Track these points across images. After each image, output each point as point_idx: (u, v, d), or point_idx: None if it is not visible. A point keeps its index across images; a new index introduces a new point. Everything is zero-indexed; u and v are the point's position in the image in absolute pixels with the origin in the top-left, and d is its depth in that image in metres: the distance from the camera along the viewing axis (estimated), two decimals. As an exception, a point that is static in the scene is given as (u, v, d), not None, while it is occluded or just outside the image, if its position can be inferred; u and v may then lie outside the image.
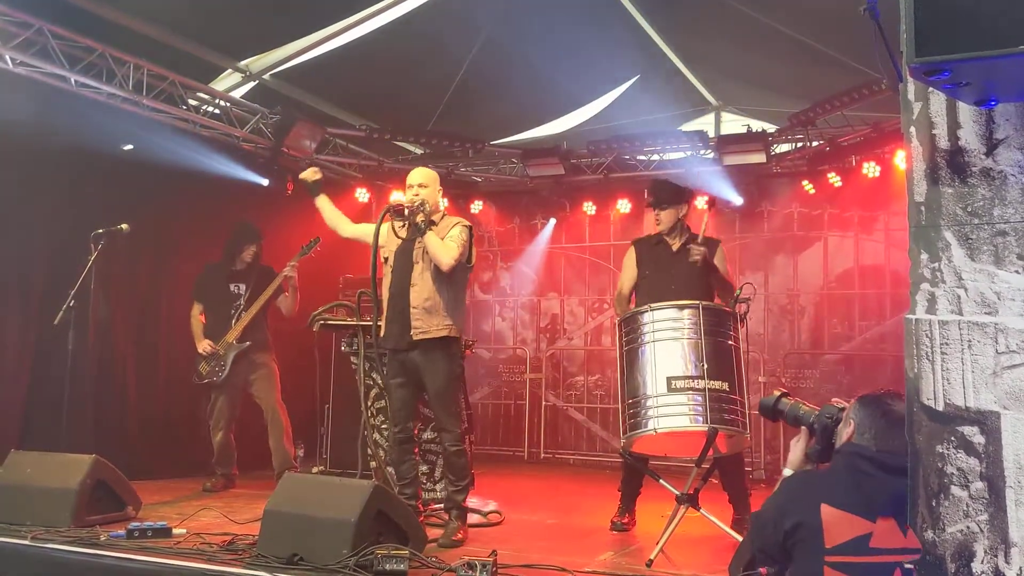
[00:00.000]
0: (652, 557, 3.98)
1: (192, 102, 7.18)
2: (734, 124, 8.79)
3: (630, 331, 4.63)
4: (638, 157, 8.60)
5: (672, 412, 4.31)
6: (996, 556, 2.70)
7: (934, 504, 2.81)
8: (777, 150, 8.26)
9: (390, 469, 5.59)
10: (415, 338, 4.48)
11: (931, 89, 2.87)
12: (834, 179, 7.87)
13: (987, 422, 2.74)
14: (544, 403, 9.13)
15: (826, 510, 2.39)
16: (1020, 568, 2.66)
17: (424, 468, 5.25)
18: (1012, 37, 2.25)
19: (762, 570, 3.46)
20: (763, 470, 7.76)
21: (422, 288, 4.51)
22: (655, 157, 8.59)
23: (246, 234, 6.49)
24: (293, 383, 6.61)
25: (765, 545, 2.55)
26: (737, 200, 8.36)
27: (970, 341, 2.79)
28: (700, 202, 8.10)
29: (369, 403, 5.78)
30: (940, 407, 2.82)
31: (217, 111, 7.41)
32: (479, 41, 7.26)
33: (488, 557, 3.50)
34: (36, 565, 3.89)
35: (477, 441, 6.46)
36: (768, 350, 8.39)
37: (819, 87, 7.27)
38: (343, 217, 5.13)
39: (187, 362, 6.53)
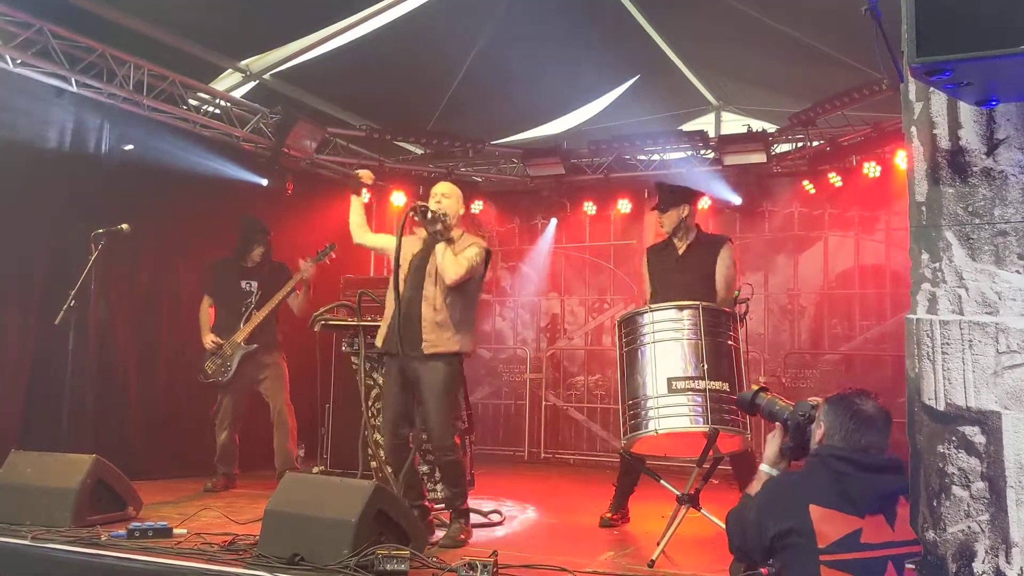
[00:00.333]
0: (654, 558, 3.98)
1: (192, 102, 7.18)
2: (734, 124, 8.79)
3: (630, 332, 4.63)
4: (638, 157, 8.60)
5: (673, 413, 4.31)
6: (997, 556, 2.70)
7: (935, 504, 2.81)
8: (777, 150, 8.27)
9: (390, 469, 5.60)
10: (426, 352, 4.44)
11: (932, 89, 2.87)
12: (834, 179, 7.86)
13: (988, 422, 2.74)
14: (544, 403, 9.13)
15: (815, 510, 2.41)
16: (1021, 568, 2.66)
17: (424, 468, 5.24)
18: (1013, 37, 2.25)
19: (763, 570, 3.46)
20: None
21: (434, 303, 4.48)
22: (655, 157, 8.59)
23: (253, 233, 6.46)
24: (294, 383, 6.61)
25: (744, 545, 2.57)
26: (735, 199, 8.36)
27: (971, 341, 2.79)
28: (703, 201, 8.13)
29: (369, 403, 5.77)
30: (941, 407, 2.82)
31: (217, 111, 7.41)
32: (479, 41, 7.27)
33: (489, 557, 3.50)
34: (36, 565, 3.88)
35: (477, 441, 6.45)
36: (768, 350, 8.39)
37: (819, 87, 7.27)
38: (366, 225, 5.13)
39: (188, 362, 6.53)
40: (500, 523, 5.11)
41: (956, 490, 2.78)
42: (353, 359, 5.84)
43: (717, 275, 5.02)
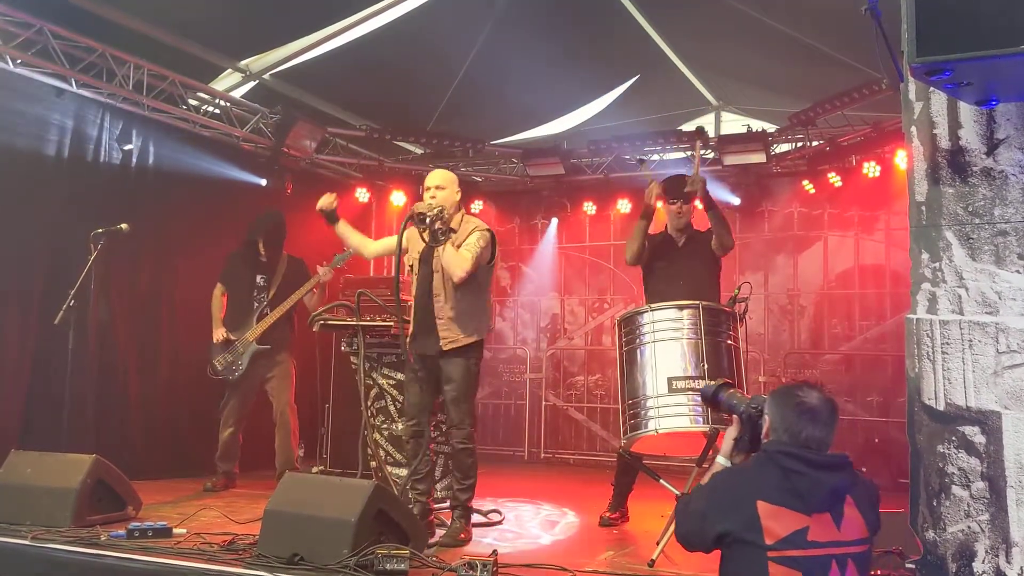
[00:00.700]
0: (654, 557, 3.98)
1: (192, 102, 7.18)
2: (734, 124, 8.79)
3: (630, 331, 4.64)
4: (638, 157, 8.59)
5: (673, 412, 4.31)
6: (997, 556, 2.70)
7: (935, 504, 2.81)
8: (777, 150, 8.27)
9: (390, 468, 5.60)
10: (445, 348, 4.51)
11: (932, 89, 2.88)
12: (834, 179, 7.86)
13: (988, 422, 2.74)
14: (544, 403, 9.13)
15: (763, 506, 2.40)
16: (1021, 568, 2.66)
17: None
18: (1013, 37, 2.26)
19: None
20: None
21: (445, 298, 4.52)
22: (655, 157, 8.58)
23: (255, 227, 6.42)
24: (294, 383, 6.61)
25: (689, 534, 2.57)
26: (734, 200, 8.38)
27: (971, 341, 2.79)
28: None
29: (369, 403, 5.78)
30: (941, 407, 2.82)
31: (217, 111, 7.41)
32: (479, 41, 7.27)
33: (489, 557, 3.50)
34: (36, 565, 3.88)
35: (478, 441, 6.45)
36: (768, 350, 8.39)
37: (819, 87, 7.27)
38: (364, 238, 5.15)
39: (188, 361, 6.52)
40: (500, 523, 5.11)
41: (956, 490, 2.78)
42: (352, 359, 5.84)
43: (715, 244, 5.14)
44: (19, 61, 5.88)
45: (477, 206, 9.26)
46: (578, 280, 9.41)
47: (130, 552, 3.82)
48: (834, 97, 7.10)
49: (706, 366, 4.36)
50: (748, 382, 4.95)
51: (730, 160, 8.01)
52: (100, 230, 5.60)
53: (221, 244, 6.65)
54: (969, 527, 2.75)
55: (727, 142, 8.08)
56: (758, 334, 8.33)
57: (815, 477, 2.44)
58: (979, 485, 2.74)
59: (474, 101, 8.20)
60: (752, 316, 6.38)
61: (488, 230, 4.64)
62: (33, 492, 4.40)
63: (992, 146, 2.83)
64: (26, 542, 3.99)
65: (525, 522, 5.24)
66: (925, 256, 2.93)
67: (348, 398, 6.34)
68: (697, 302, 4.57)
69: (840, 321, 8.22)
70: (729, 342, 4.55)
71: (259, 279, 6.34)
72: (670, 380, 4.36)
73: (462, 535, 4.48)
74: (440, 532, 4.58)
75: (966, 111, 2.88)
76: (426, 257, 4.65)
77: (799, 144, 8.10)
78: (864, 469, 7.20)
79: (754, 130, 7.96)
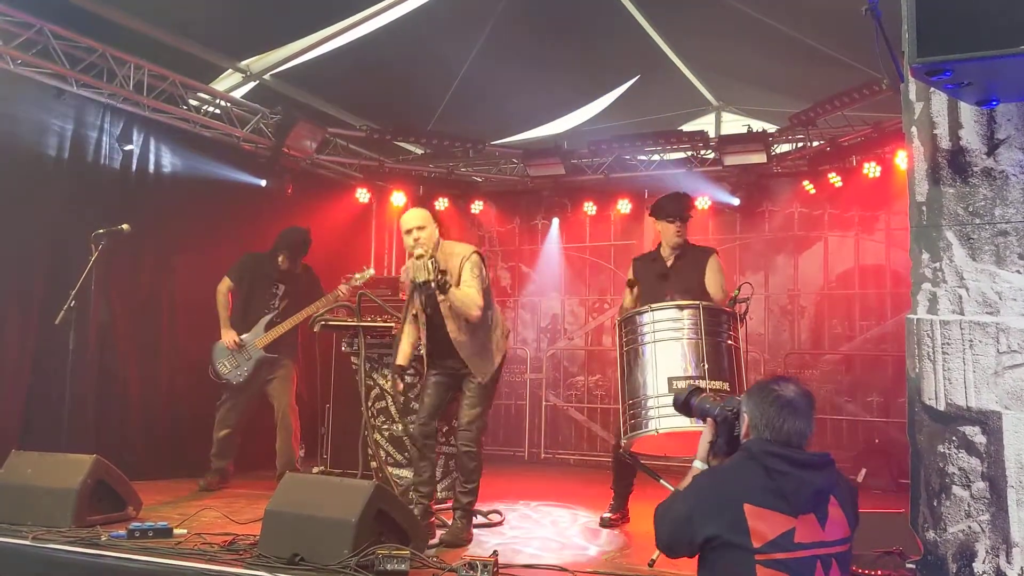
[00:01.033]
0: (654, 557, 3.97)
1: (193, 102, 7.18)
2: (734, 124, 8.79)
3: (630, 331, 4.63)
4: (639, 157, 8.60)
5: (673, 412, 4.29)
6: (998, 556, 2.70)
7: (935, 504, 2.81)
8: (777, 150, 8.26)
9: (390, 469, 5.61)
10: (480, 380, 4.61)
11: (932, 89, 2.88)
12: (835, 179, 7.86)
13: (988, 422, 2.74)
14: (544, 403, 9.13)
15: (749, 509, 2.36)
16: (1022, 568, 2.66)
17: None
18: (1013, 37, 2.26)
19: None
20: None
21: (466, 342, 4.58)
22: (655, 157, 8.59)
23: (280, 240, 6.41)
24: (303, 393, 6.63)
25: (672, 540, 2.52)
26: (733, 201, 8.39)
27: (971, 341, 2.79)
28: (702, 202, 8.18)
29: (369, 403, 5.79)
30: (942, 407, 2.82)
31: (218, 111, 7.41)
32: (479, 41, 7.27)
33: (489, 557, 3.50)
34: (37, 565, 3.89)
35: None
36: (768, 350, 8.39)
37: (819, 87, 7.27)
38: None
39: (188, 362, 6.52)
40: (500, 523, 5.11)
41: (956, 490, 2.78)
42: (353, 359, 5.84)
43: (709, 282, 5.03)
44: (19, 61, 5.88)
45: (477, 206, 9.27)
46: (578, 280, 9.41)
47: (131, 552, 3.83)
48: (834, 97, 7.10)
49: (706, 366, 4.36)
50: (748, 382, 4.93)
51: (730, 160, 8.01)
52: (101, 230, 5.60)
53: (221, 244, 6.65)
54: (969, 527, 2.75)
55: (727, 142, 8.07)
56: (758, 334, 8.33)
57: (800, 477, 2.42)
58: (980, 485, 2.74)
59: (474, 101, 8.20)
60: (752, 316, 6.37)
61: (475, 253, 4.64)
62: (34, 492, 4.40)
63: (993, 146, 2.83)
64: (27, 542, 3.99)
65: (526, 523, 5.24)
66: (926, 256, 2.93)
67: (348, 399, 6.35)
68: (697, 302, 4.57)
69: (840, 321, 8.22)
70: (729, 342, 4.55)
71: (277, 288, 6.34)
72: (670, 380, 4.36)
73: (463, 535, 4.48)
74: (441, 533, 4.58)
75: (967, 111, 2.88)
76: (433, 308, 4.65)
77: (799, 144, 8.10)
78: (865, 469, 7.23)
79: (754, 130, 7.96)
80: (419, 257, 4.41)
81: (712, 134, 8.67)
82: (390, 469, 5.62)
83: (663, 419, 4.31)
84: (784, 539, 2.34)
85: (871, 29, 2.89)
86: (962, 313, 2.82)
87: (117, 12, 6.18)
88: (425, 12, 6.90)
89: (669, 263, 5.17)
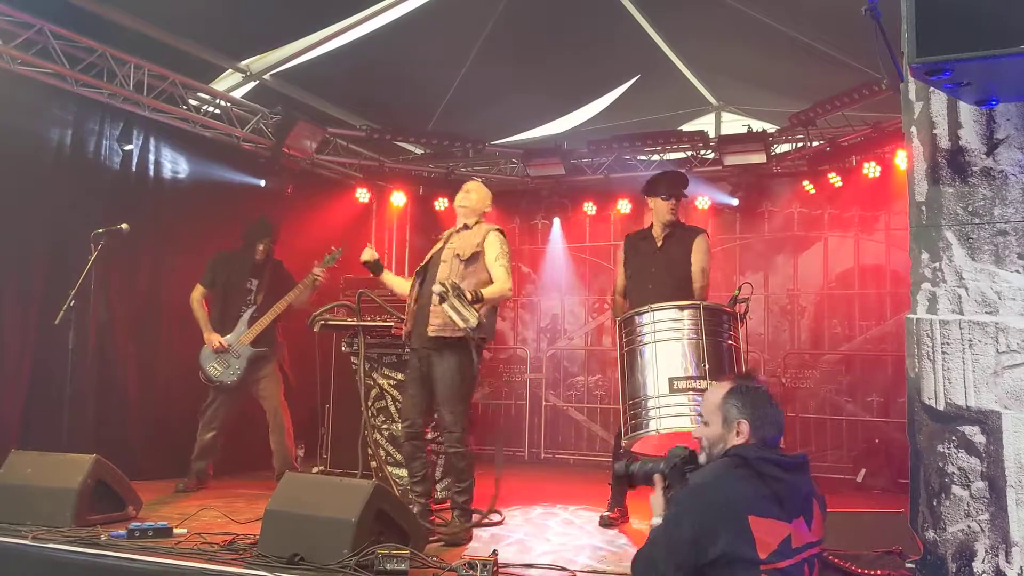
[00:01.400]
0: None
1: (193, 102, 7.18)
2: (734, 124, 8.79)
3: (630, 331, 4.63)
4: (639, 157, 8.60)
5: (674, 413, 4.31)
6: (997, 555, 2.70)
7: (935, 504, 2.81)
8: (777, 150, 8.27)
9: (390, 468, 5.61)
10: (431, 335, 4.60)
11: (932, 89, 2.88)
12: (834, 179, 7.87)
13: (988, 421, 2.74)
14: (544, 403, 9.13)
15: (754, 521, 2.31)
16: (1021, 567, 2.66)
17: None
18: (1012, 37, 2.26)
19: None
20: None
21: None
22: (655, 157, 8.59)
23: (258, 230, 6.43)
24: (293, 384, 6.61)
25: (682, 563, 2.35)
26: (732, 201, 8.39)
27: (971, 340, 2.80)
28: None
29: (369, 403, 5.79)
30: (941, 407, 2.83)
31: (217, 111, 7.41)
32: (479, 41, 7.27)
33: (489, 557, 3.50)
34: (37, 565, 3.89)
35: (477, 441, 6.46)
36: (768, 350, 8.39)
37: (819, 87, 7.27)
38: (404, 281, 5.17)
39: (188, 362, 6.52)
40: (500, 523, 5.11)
41: (956, 490, 2.78)
42: (353, 359, 5.84)
43: (693, 264, 5.10)
44: (19, 61, 5.88)
45: (477, 206, 9.25)
46: (578, 280, 9.41)
47: (131, 552, 3.83)
48: (834, 97, 7.10)
49: (707, 366, 4.36)
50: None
51: (730, 160, 8.01)
52: (100, 230, 5.61)
53: (221, 244, 6.65)
54: (969, 527, 2.75)
55: (727, 142, 8.08)
56: (758, 334, 8.33)
57: (790, 481, 2.41)
58: (979, 485, 2.75)
59: (474, 101, 8.20)
60: (752, 316, 6.37)
61: (498, 230, 4.87)
62: (34, 492, 4.41)
63: (992, 146, 2.84)
64: (27, 542, 3.99)
65: (525, 522, 5.24)
66: (925, 256, 2.93)
67: (348, 398, 6.35)
68: (698, 302, 4.57)
69: (840, 321, 8.22)
70: (730, 342, 4.55)
71: (250, 283, 6.33)
72: (671, 380, 4.35)
73: (462, 534, 4.48)
74: (440, 532, 4.58)
75: (966, 111, 2.88)
76: (435, 261, 4.74)
77: (799, 144, 8.10)
78: (865, 469, 7.23)
79: (754, 130, 7.96)
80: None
81: (712, 134, 8.67)
82: (390, 469, 5.62)
83: (664, 419, 4.31)
84: (784, 546, 2.32)
85: (871, 29, 2.89)
86: (961, 313, 2.82)
87: (117, 12, 6.18)
88: (425, 12, 6.91)
89: (659, 242, 5.22)
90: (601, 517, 5.11)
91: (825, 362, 8.20)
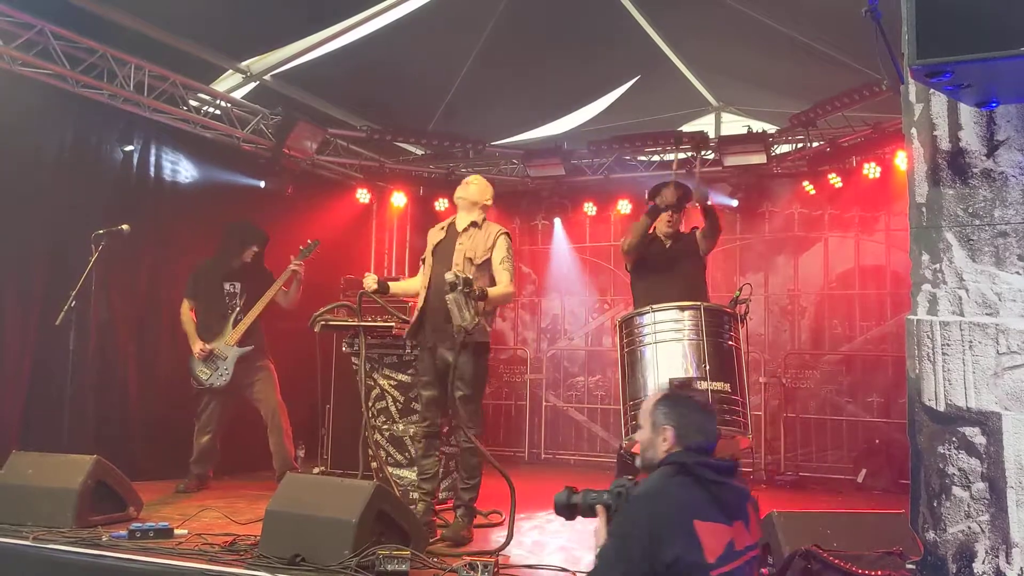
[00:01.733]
0: None
1: (193, 103, 7.18)
2: (734, 125, 8.79)
3: (631, 332, 4.64)
4: (639, 158, 8.60)
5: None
6: (997, 556, 2.70)
7: (935, 505, 2.82)
8: (777, 151, 8.27)
9: (391, 469, 5.61)
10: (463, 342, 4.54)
11: (932, 91, 2.88)
12: (835, 180, 7.87)
13: (988, 423, 2.75)
14: (545, 403, 9.13)
15: (699, 526, 2.32)
16: (1021, 568, 2.67)
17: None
18: (1012, 39, 2.26)
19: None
20: (763, 471, 7.76)
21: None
22: (656, 158, 8.59)
23: (250, 234, 6.44)
24: (294, 384, 6.61)
25: (631, 570, 2.34)
26: (732, 203, 8.40)
27: (971, 342, 2.80)
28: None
29: (370, 403, 5.79)
30: (941, 408, 2.83)
31: (218, 112, 7.41)
32: (479, 41, 7.27)
33: (490, 557, 3.51)
34: (38, 566, 3.89)
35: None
36: (769, 350, 8.39)
37: (819, 88, 7.27)
38: (409, 286, 5.10)
39: (188, 362, 6.52)
40: (500, 523, 5.11)
41: (956, 491, 2.79)
42: (353, 360, 5.84)
43: (702, 243, 5.23)
44: (20, 62, 5.88)
45: (477, 206, 9.25)
46: (579, 281, 9.41)
47: (131, 553, 3.83)
48: (834, 98, 7.11)
49: (708, 367, 4.37)
50: (748, 383, 4.95)
51: (730, 161, 8.01)
52: (101, 231, 5.61)
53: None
54: (969, 528, 2.75)
55: (727, 143, 8.08)
56: (759, 335, 8.33)
57: (729, 485, 2.42)
58: (979, 486, 2.75)
59: (475, 102, 8.20)
60: (753, 317, 6.38)
61: (506, 233, 4.77)
62: (34, 493, 4.41)
63: (992, 148, 2.84)
64: (27, 543, 4.00)
65: (526, 523, 5.23)
66: (925, 257, 2.93)
67: (349, 399, 6.35)
68: (698, 303, 4.58)
69: (841, 322, 8.22)
70: (731, 343, 4.55)
71: (228, 286, 6.32)
72: (672, 381, 4.36)
73: (464, 534, 4.48)
74: (442, 532, 4.59)
75: (966, 113, 2.88)
76: (442, 254, 4.67)
77: (799, 145, 8.10)
78: (865, 469, 7.24)
79: (754, 131, 7.96)
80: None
81: (712, 134, 8.67)
82: (390, 469, 5.62)
83: (663, 420, 4.31)
84: (729, 549, 2.33)
85: (871, 30, 2.90)
86: (962, 314, 2.82)
87: (118, 13, 6.18)
88: (425, 12, 6.91)
89: (668, 246, 5.30)
90: None
91: (825, 363, 8.20)
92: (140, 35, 6.39)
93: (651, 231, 5.36)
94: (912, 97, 3.02)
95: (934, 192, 2.92)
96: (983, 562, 2.72)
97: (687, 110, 9.03)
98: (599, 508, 2.61)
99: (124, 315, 6.58)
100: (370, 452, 5.37)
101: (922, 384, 2.88)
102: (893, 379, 7.67)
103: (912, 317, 2.94)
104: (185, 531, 4.33)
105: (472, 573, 3.41)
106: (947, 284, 2.86)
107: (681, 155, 4.98)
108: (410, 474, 5.55)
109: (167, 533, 4.20)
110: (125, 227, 5.70)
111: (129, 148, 6.75)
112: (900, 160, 7.15)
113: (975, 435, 2.77)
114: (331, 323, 5.77)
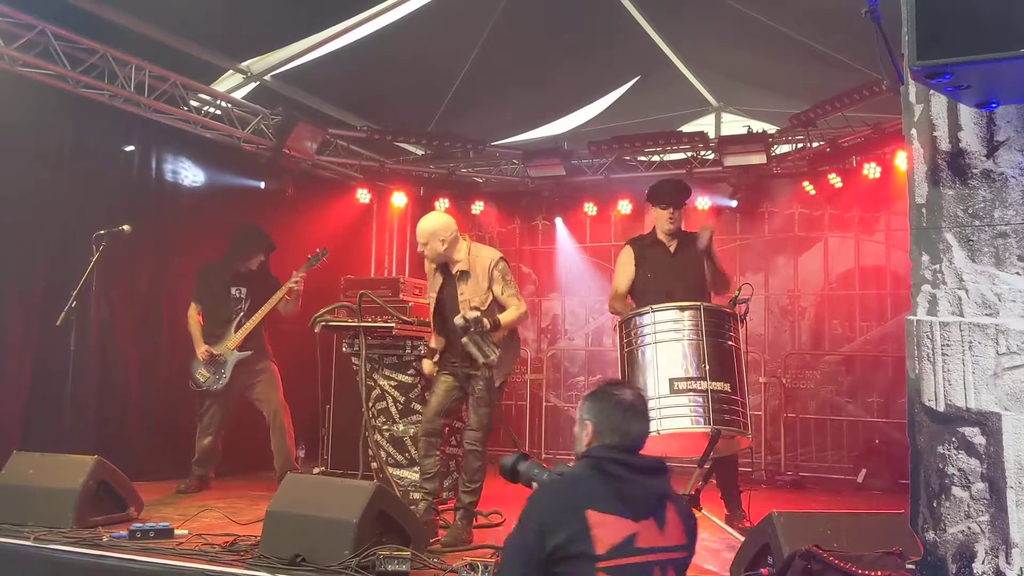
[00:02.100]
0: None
1: (193, 103, 7.19)
2: (734, 125, 8.79)
3: (631, 332, 4.64)
4: (639, 158, 8.61)
5: (674, 413, 4.32)
6: (997, 556, 2.71)
7: (935, 505, 2.82)
8: (777, 151, 8.27)
9: (391, 469, 5.61)
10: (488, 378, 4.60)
11: (932, 91, 2.88)
12: (835, 180, 7.87)
13: (988, 423, 2.75)
14: (545, 404, 9.13)
15: (592, 515, 2.33)
16: (1021, 568, 2.67)
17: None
18: (1013, 40, 2.26)
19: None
20: (763, 471, 7.77)
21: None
22: (656, 158, 8.59)
23: (257, 242, 6.42)
24: (294, 384, 6.61)
25: (529, 561, 2.36)
26: (731, 203, 8.41)
27: (971, 342, 2.80)
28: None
29: (370, 404, 5.79)
30: (941, 408, 2.83)
31: (218, 112, 7.41)
32: (479, 42, 7.27)
33: (490, 558, 3.51)
34: (38, 566, 3.90)
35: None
36: (769, 351, 8.40)
37: (819, 88, 7.27)
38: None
39: (189, 363, 6.53)
40: (501, 524, 5.11)
41: (956, 491, 2.79)
42: (354, 360, 5.85)
43: (713, 258, 5.12)
44: (20, 62, 5.88)
45: (478, 207, 9.27)
46: (579, 281, 9.41)
47: (132, 553, 3.84)
48: (834, 98, 7.11)
49: (708, 367, 4.37)
50: (748, 383, 4.95)
51: (730, 161, 8.01)
52: (102, 231, 5.61)
53: (222, 245, 6.65)
54: (969, 528, 2.76)
55: (727, 143, 8.08)
56: (758, 335, 8.33)
57: (640, 482, 2.42)
58: (979, 486, 2.75)
59: (475, 102, 8.21)
60: (752, 317, 6.38)
61: (502, 259, 4.76)
62: (35, 493, 4.42)
63: (992, 148, 2.84)
64: (28, 543, 4.01)
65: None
66: (925, 258, 2.94)
67: (349, 399, 6.35)
68: (698, 303, 4.58)
69: (841, 322, 8.23)
70: (730, 343, 4.56)
71: (234, 290, 6.31)
72: (671, 381, 4.36)
73: (463, 535, 4.49)
74: (442, 533, 4.59)
75: (966, 113, 2.89)
76: (451, 303, 4.70)
77: (799, 145, 8.10)
78: (865, 470, 7.24)
79: (754, 131, 7.96)
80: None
81: (712, 135, 8.68)
82: (391, 470, 5.62)
83: (664, 420, 4.32)
84: (626, 544, 2.32)
85: (871, 31, 2.90)
86: (961, 315, 2.83)
87: (118, 13, 6.18)
88: (425, 13, 6.91)
89: (672, 250, 5.22)
90: None
91: (825, 363, 8.20)
92: (140, 36, 6.40)
93: (653, 231, 5.33)
94: (912, 98, 3.02)
95: (934, 193, 2.93)
96: (983, 562, 2.72)
97: (687, 110, 9.04)
98: (534, 484, 2.67)
99: (125, 315, 6.59)
100: (370, 452, 5.37)
101: (922, 384, 2.88)
102: (893, 379, 7.67)
103: (912, 317, 2.94)
104: (186, 531, 4.34)
105: (472, 573, 3.41)
106: (947, 285, 2.86)
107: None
108: (410, 474, 5.55)
109: (168, 533, 4.21)
110: (126, 227, 5.70)
111: (130, 148, 6.77)
112: (900, 160, 7.15)
113: (975, 435, 2.77)
114: (331, 323, 5.76)
